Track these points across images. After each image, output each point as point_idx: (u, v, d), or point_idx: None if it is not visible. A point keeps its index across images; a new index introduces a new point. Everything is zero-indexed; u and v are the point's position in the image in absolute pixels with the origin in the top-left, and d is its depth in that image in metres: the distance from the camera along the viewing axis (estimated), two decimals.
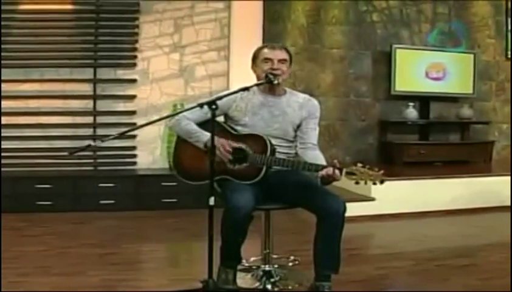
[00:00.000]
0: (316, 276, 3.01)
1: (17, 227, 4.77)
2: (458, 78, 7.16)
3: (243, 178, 3.05)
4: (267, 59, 3.16)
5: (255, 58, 3.27)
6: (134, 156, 6.22)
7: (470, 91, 7.19)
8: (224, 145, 3.05)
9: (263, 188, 3.07)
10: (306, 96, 3.36)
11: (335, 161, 2.87)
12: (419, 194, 5.71)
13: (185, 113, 3.15)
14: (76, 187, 5.65)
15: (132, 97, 6.17)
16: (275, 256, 3.55)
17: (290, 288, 3.36)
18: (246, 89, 3.00)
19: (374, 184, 2.82)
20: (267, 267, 3.44)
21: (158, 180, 5.84)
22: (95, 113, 6.08)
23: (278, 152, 3.12)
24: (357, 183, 2.85)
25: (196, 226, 5.11)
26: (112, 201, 5.66)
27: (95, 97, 6.06)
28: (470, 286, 3.45)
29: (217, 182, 3.04)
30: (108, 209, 5.58)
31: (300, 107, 3.27)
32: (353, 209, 3.73)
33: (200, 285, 2.86)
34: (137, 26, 6.12)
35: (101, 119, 6.11)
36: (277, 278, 3.42)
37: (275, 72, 3.12)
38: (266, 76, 3.09)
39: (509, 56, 7.57)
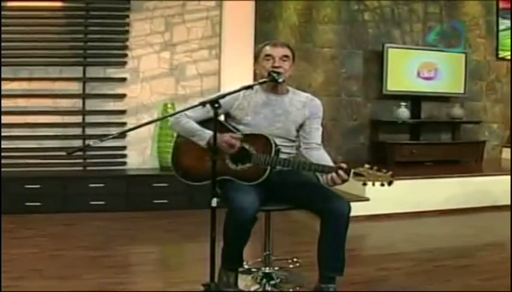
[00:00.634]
0: (320, 278, 2.95)
1: (7, 229, 4.64)
2: (449, 77, 7.15)
3: (246, 179, 2.98)
4: (268, 57, 3.09)
5: (257, 56, 3.19)
6: (124, 156, 6.12)
7: (462, 91, 7.19)
8: (228, 140, 2.97)
9: (265, 189, 3.00)
10: (309, 95, 3.30)
11: (343, 164, 2.81)
12: (413, 194, 5.69)
13: (186, 112, 3.06)
14: (65, 187, 5.54)
15: (122, 96, 6.07)
16: (274, 258, 3.48)
17: (291, 290, 3.30)
18: (250, 87, 2.93)
19: (382, 185, 2.76)
20: (267, 270, 3.38)
21: (149, 180, 5.77)
22: (84, 112, 5.97)
23: (281, 152, 3.06)
24: (364, 184, 2.79)
25: (189, 227, 5.08)
26: (103, 202, 5.56)
27: (84, 96, 5.94)
28: (472, 287, 3.43)
29: (218, 182, 2.97)
30: (98, 210, 5.49)
31: (303, 106, 3.21)
32: None
33: (202, 288, 2.78)
34: (128, 24, 6.01)
35: (90, 118, 6.00)
36: (277, 281, 3.36)
37: (276, 69, 3.04)
38: (269, 74, 3.01)
39: (500, 56, 7.58)
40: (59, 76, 5.87)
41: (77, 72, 5.92)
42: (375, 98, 7.08)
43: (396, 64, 6.85)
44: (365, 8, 6.97)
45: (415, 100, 7.09)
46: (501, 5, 7.52)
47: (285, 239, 4.40)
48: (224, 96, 2.82)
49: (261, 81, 3.02)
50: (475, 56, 7.45)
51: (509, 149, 7.66)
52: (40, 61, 5.78)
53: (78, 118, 5.97)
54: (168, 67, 6.22)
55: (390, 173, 2.78)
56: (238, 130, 3.12)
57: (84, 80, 5.93)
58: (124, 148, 6.09)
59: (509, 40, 7.63)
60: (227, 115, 3.20)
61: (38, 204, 5.38)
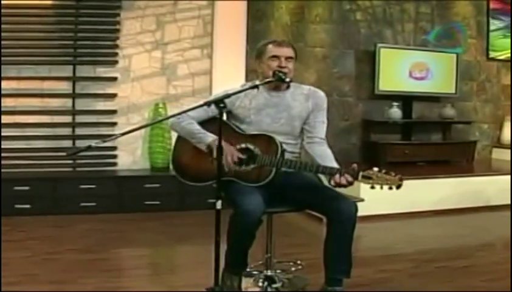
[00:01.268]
0: (327, 280, 2.91)
1: None
2: (441, 77, 7.14)
3: (250, 180, 2.92)
4: (274, 57, 3.04)
5: (260, 54, 3.13)
6: (115, 156, 6.01)
7: (453, 91, 7.18)
8: (231, 154, 2.90)
9: (268, 190, 2.95)
10: (311, 87, 3.25)
11: (354, 165, 2.77)
12: (407, 195, 5.58)
13: (188, 113, 2.98)
14: (55, 188, 5.43)
15: (113, 96, 5.96)
16: (275, 260, 3.42)
17: None
18: (256, 87, 2.87)
19: (391, 188, 2.73)
20: (269, 273, 3.32)
21: (140, 181, 5.69)
22: (74, 112, 5.85)
23: (286, 152, 3.00)
24: (372, 187, 2.75)
25: (183, 229, 5.01)
26: (93, 204, 5.46)
27: (74, 96, 5.82)
28: (476, 288, 3.42)
29: (217, 184, 2.89)
30: (89, 212, 5.40)
31: (306, 99, 3.16)
32: None
33: None
34: (118, 22, 5.90)
35: (80, 118, 5.89)
36: (279, 284, 3.30)
37: (283, 70, 2.99)
38: (274, 74, 2.96)
39: (490, 56, 7.60)
40: (49, 75, 5.74)
41: (67, 71, 5.80)
42: (366, 98, 7.04)
43: (388, 64, 6.82)
44: (357, 8, 6.93)
45: (407, 100, 7.06)
46: (492, 5, 7.53)
47: (281, 241, 4.27)
48: (229, 95, 2.75)
49: (267, 80, 2.97)
50: (466, 56, 7.45)
51: (499, 150, 7.69)
52: (29, 60, 5.65)
53: (67, 118, 5.86)
54: (159, 66, 6.13)
55: (399, 176, 2.75)
56: (240, 129, 3.07)
57: (74, 79, 5.81)
58: (114, 148, 5.99)
59: (499, 40, 7.65)
60: (229, 114, 3.13)
61: (28, 206, 5.26)
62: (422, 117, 7.30)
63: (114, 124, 5.95)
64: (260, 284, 3.32)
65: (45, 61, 5.71)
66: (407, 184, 6.03)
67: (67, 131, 5.86)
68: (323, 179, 3.21)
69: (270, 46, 3.11)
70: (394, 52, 6.92)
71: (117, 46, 5.93)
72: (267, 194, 2.92)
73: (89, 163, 5.86)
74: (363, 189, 5.21)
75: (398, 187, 2.72)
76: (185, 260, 4.18)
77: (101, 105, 5.97)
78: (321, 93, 3.23)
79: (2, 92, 5.58)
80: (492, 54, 7.62)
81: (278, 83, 3.02)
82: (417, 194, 5.72)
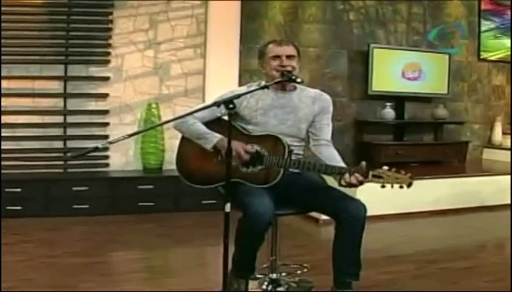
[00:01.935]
0: (336, 283, 2.86)
1: None
2: (433, 78, 7.14)
3: (258, 182, 2.87)
4: (275, 57, 3.00)
5: (262, 55, 3.10)
6: (106, 157, 5.92)
7: (445, 91, 7.19)
8: (238, 151, 2.85)
9: (275, 191, 2.90)
10: (318, 91, 3.22)
11: (363, 163, 2.74)
12: (402, 195, 5.54)
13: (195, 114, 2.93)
14: (47, 190, 5.32)
15: (105, 96, 5.87)
16: (280, 263, 3.37)
17: None
18: (266, 87, 2.83)
19: (401, 187, 2.70)
20: (274, 276, 3.27)
21: (133, 182, 5.62)
22: (65, 112, 5.74)
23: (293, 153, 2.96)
24: (383, 186, 2.72)
25: (179, 231, 4.94)
26: (86, 206, 5.37)
27: (65, 96, 5.72)
28: (480, 288, 3.41)
29: (225, 186, 2.84)
30: (82, 214, 5.31)
31: (312, 102, 3.12)
32: None
33: None
34: (111, 21, 5.81)
35: (72, 119, 5.78)
36: (285, 287, 3.25)
37: (284, 68, 2.96)
38: (283, 74, 2.92)
39: (482, 56, 7.63)
40: (40, 74, 5.64)
41: (58, 70, 5.70)
42: (359, 98, 7.02)
43: (381, 65, 6.80)
44: (350, 8, 6.91)
45: (399, 101, 7.06)
46: (483, 6, 7.56)
47: (280, 243, 4.29)
48: (239, 96, 2.69)
49: (276, 80, 2.93)
50: (457, 57, 7.46)
51: (490, 150, 7.73)
52: (19, 59, 5.54)
53: (59, 119, 5.75)
54: (152, 66, 6.05)
55: (409, 174, 2.72)
56: (246, 130, 3.02)
57: (65, 79, 5.70)
58: (106, 149, 5.89)
59: (490, 41, 7.68)
60: (235, 115, 3.07)
61: (19, 208, 5.16)
62: (414, 118, 7.30)
63: (106, 124, 5.86)
64: (264, 287, 3.26)
65: (36, 60, 5.61)
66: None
67: (58, 131, 5.75)
68: (327, 180, 3.19)
69: (270, 46, 3.09)
70: (388, 52, 6.90)
71: (109, 45, 5.83)
72: (273, 196, 2.87)
73: (81, 164, 5.76)
74: (358, 190, 5.18)
75: (409, 185, 2.69)
76: (183, 262, 4.10)
77: (93, 105, 5.87)
78: (327, 97, 3.21)
79: None
80: (483, 55, 7.64)
81: (285, 83, 2.99)
82: (411, 195, 5.62)
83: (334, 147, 3.12)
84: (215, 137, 2.91)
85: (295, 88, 3.14)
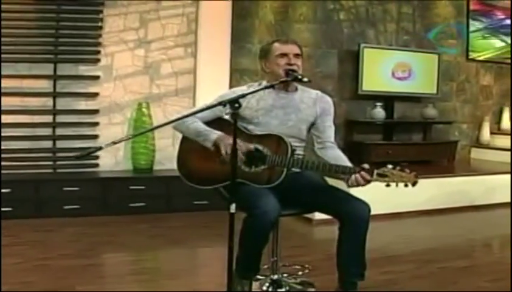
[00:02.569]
0: (341, 284, 2.85)
1: None
2: (422, 78, 7.16)
3: (261, 181, 2.83)
4: (282, 55, 2.98)
5: (266, 54, 3.06)
6: (96, 157, 5.84)
7: (434, 91, 7.22)
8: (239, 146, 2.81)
9: (277, 192, 2.87)
10: (319, 92, 3.20)
11: (366, 165, 2.72)
12: (393, 195, 5.60)
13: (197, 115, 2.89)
14: (38, 191, 5.24)
15: (95, 95, 5.79)
16: (281, 264, 3.35)
17: None
18: (271, 86, 2.80)
19: (406, 185, 2.69)
20: (275, 277, 3.24)
21: (125, 183, 5.55)
22: (54, 111, 5.65)
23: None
24: (388, 185, 2.71)
25: (173, 232, 4.89)
26: (77, 206, 5.30)
27: (55, 95, 5.63)
28: (480, 288, 3.42)
29: (228, 186, 2.81)
30: (73, 214, 5.24)
31: (313, 103, 3.11)
32: None
33: None
34: (101, 19, 5.73)
35: (61, 118, 5.69)
36: (286, 289, 3.22)
37: (292, 67, 2.94)
38: (287, 73, 2.89)
39: (470, 57, 7.68)
40: (29, 73, 5.53)
41: (47, 69, 5.60)
42: (349, 98, 7.02)
43: (372, 64, 6.80)
44: (340, 8, 6.91)
45: (389, 100, 7.07)
46: (472, 6, 7.61)
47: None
48: (244, 95, 2.66)
49: (282, 80, 2.90)
50: (446, 57, 7.50)
51: (478, 150, 7.79)
52: (8, 58, 5.42)
53: (48, 118, 5.66)
54: (142, 65, 5.98)
55: (414, 173, 2.71)
56: (248, 130, 2.99)
57: (54, 78, 5.61)
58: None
59: (479, 41, 7.74)
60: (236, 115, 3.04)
61: (9, 209, 5.06)
62: (404, 117, 7.32)
63: (95, 124, 5.79)
64: (265, 288, 3.23)
65: (24, 59, 5.50)
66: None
67: (47, 131, 5.67)
68: (327, 179, 3.18)
69: (276, 44, 3.06)
70: (378, 52, 6.91)
71: (99, 44, 5.75)
72: (277, 196, 2.83)
73: (70, 164, 5.68)
74: (352, 190, 5.18)
75: (414, 184, 2.69)
76: (181, 264, 4.03)
77: (83, 104, 5.79)
78: (328, 99, 3.20)
79: None
80: (471, 55, 7.69)
81: (288, 83, 2.97)
82: (401, 194, 5.68)
83: (338, 148, 3.11)
84: (215, 134, 2.88)
85: (296, 89, 3.12)
